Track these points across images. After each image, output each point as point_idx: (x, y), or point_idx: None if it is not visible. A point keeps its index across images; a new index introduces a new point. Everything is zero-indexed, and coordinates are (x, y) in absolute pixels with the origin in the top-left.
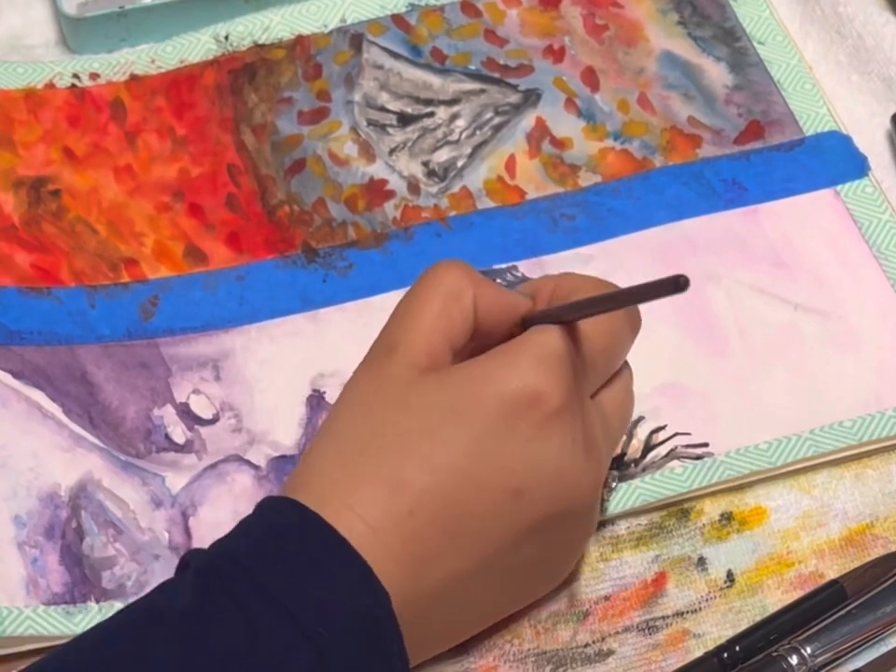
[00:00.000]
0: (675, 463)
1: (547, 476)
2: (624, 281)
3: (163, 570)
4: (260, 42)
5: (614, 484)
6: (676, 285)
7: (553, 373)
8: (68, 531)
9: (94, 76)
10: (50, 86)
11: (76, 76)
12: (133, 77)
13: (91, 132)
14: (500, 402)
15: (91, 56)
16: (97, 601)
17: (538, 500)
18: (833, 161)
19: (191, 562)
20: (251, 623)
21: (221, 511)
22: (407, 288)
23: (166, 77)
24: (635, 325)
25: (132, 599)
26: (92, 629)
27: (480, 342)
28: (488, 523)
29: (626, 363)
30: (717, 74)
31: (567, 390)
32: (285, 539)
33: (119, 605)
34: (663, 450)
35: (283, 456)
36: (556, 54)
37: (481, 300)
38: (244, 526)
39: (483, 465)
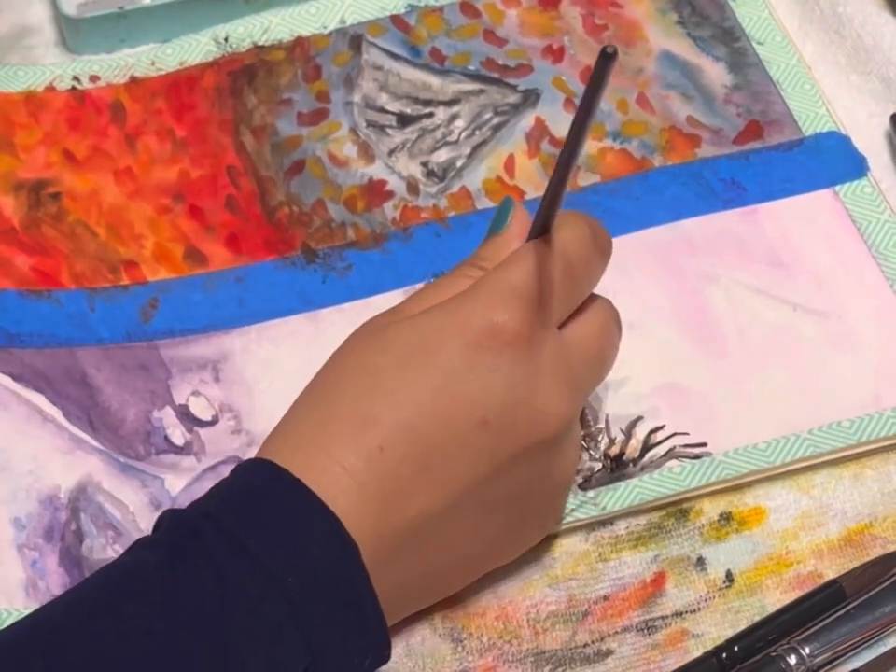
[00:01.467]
0: (673, 462)
1: (511, 405)
2: (623, 281)
3: None
4: (260, 44)
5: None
6: (605, 56)
7: (509, 304)
8: (67, 533)
9: (94, 78)
10: (51, 88)
11: (76, 78)
12: (133, 80)
13: (91, 134)
14: (462, 336)
15: (91, 58)
16: None
17: (505, 430)
18: (832, 161)
19: (165, 520)
20: (221, 575)
21: None
22: (407, 289)
23: (166, 79)
24: (601, 244)
25: None
26: (71, 588)
27: None
28: (459, 455)
29: (607, 301)
30: (716, 74)
31: (525, 320)
32: (255, 494)
33: None
34: (661, 450)
35: None
36: (556, 54)
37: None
38: (217, 487)
39: (450, 398)
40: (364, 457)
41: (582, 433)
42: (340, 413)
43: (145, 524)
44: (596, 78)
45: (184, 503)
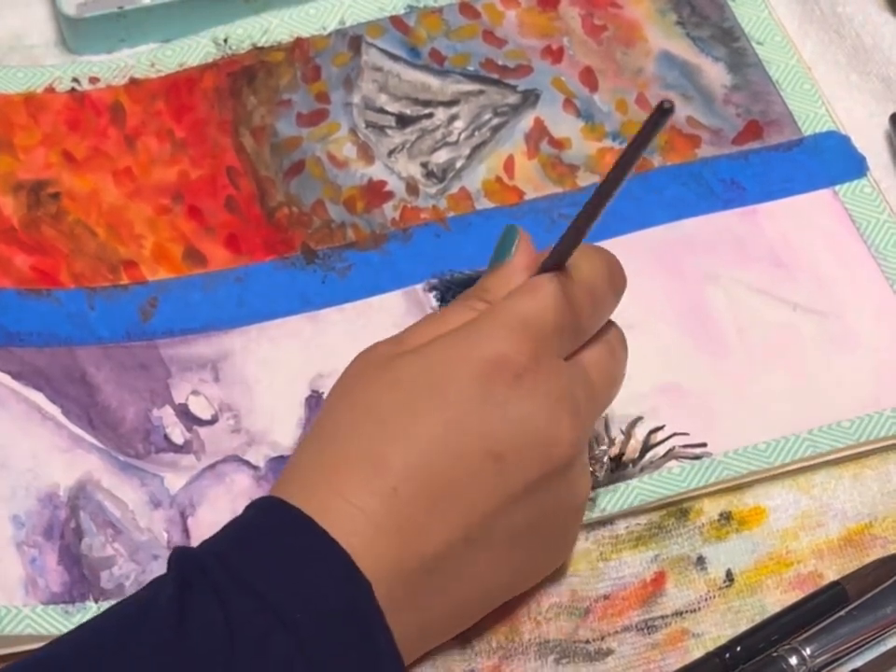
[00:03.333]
0: (673, 463)
1: (522, 436)
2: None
3: (162, 570)
4: (259, 45)
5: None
6: (662, 111)
7: (517, 335)
8: (67, 531)
9: (94, 79)
10: (50, 90)
11: (75, 79)
12: (133, 81)
13: (91, 135)
14: (470, 369)
15: (91, 59)
16: (96, 601)
17: (519, 462)
18: (832, 161)
19: (174, 558)
20: (228, 611)
21: (220, 512)
22: (406, 289)
23: (166, 80)
24: (616, 283)
25: None
26: (86, 622)
27: None
28: (473, 490)
29: (614, 325)
30: (715, 74)
31: (534, 350)
32: (264, 533)
33: None
34: (661, 450)
35: (282, 457)
36: (555, 55)
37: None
38: (228, 526)
39: (462, 433)
40: (378, 499)
41: (588, 456)
42: (351, 455)
43: (144, 522)
44: (649, 129)
45: (183, 501)
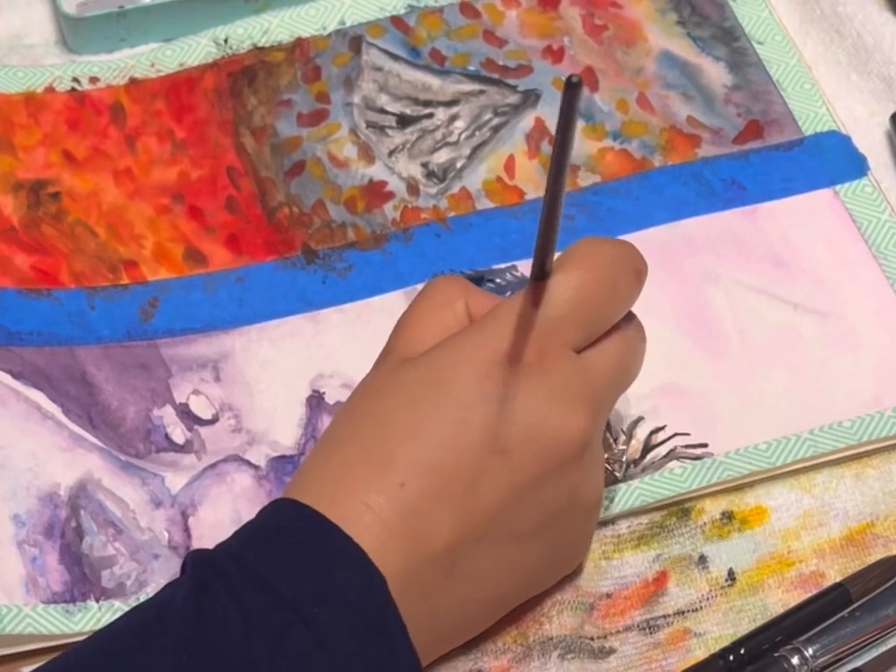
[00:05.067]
0: (674, 463)
1: (529, 431)
2: None
3: (163, 569)
4: (260, 45)
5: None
6: (570, 85)
7: (520, 331)
8: (67, 530)
9: (94, 79)
10: (50, 90)
11: (75, 79)
12: (133, 81)
13: (91, 135)
14: (474, 366)
15: (91, 59)
16: (97, 600)
17: (524, 456)
18: (833, 160)
19: (189, 561)
20: (245, 608)
21: (221, 511)
22: (407, 289)
23: (166, 80)
24: (637, 270)
25: (132, 598)
26: (103, 627)
27: None
28: (480, 486)
29: (634, 318)
30: (716, 73)
31: (539, 345)
32: (278, 530)
33: (118, 604)
34: (662, 450)
35: (283, 456)
36: (555, 55)
37: (473, 305)
38: (241, 528)
39: (467, 429)
40: (386, 495)
41: (606, 455)
42: (358, 456)
43: (145, 521)
44: (565, 108)
45: (184, 501)
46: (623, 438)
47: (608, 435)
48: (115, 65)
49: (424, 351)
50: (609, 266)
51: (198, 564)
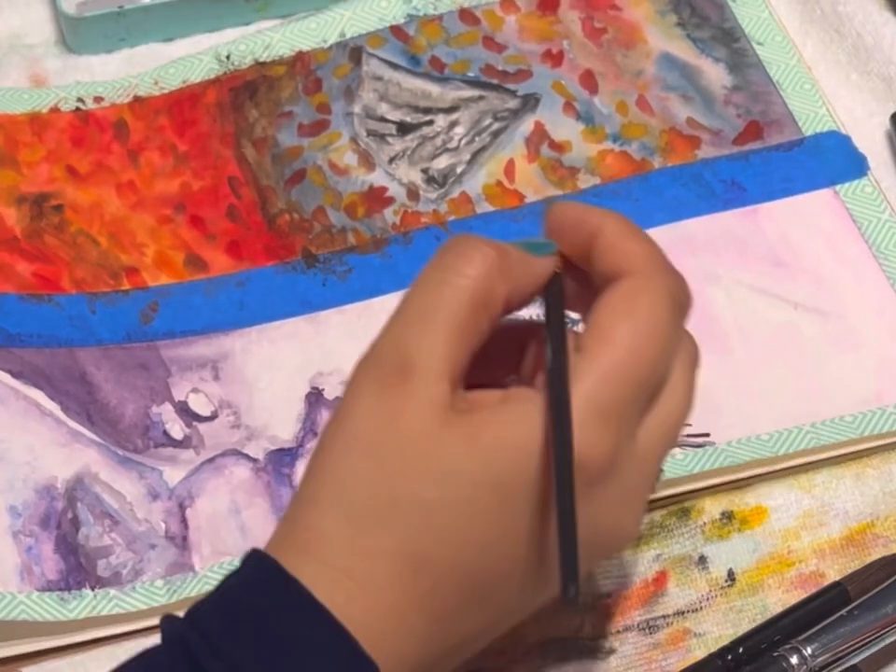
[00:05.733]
0: (676, 450)
1: (589, 538)
2: None
3: (159, 559)
4: (261, 60)
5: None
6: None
7: (595, 426)
8: (64, 521)
9: (98, 99)
10: (55, 110)
11: (80, 99)
12: (137, 99)
13: (95, 151)
14: (539, 473)
15: (96, 81)
16: (92, 588)
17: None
18: (833, 160)
19: (166, 633)
20: None
21: (218, 502)
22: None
23: (169, 97)
24: (683, 305)
25: (127, 587)
26: None
27: None
28: (518, 587)
29: (683, 369)
30: (716, 75)
31: (614, 442)
32: (263, 613)
33: (114, 592)
34: None
35: (281, 449)
36: (555, 58)
37: (512, 289)
38: (223, 593)
39: (517, 537)
40: (415, 601)
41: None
42: (383, 548)
43: (142, 513)
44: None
45: (182, 493)
46: None
47: None
48: (119, 85)
49: (456, 381)
50: (667, 310)
51: (172, 638)
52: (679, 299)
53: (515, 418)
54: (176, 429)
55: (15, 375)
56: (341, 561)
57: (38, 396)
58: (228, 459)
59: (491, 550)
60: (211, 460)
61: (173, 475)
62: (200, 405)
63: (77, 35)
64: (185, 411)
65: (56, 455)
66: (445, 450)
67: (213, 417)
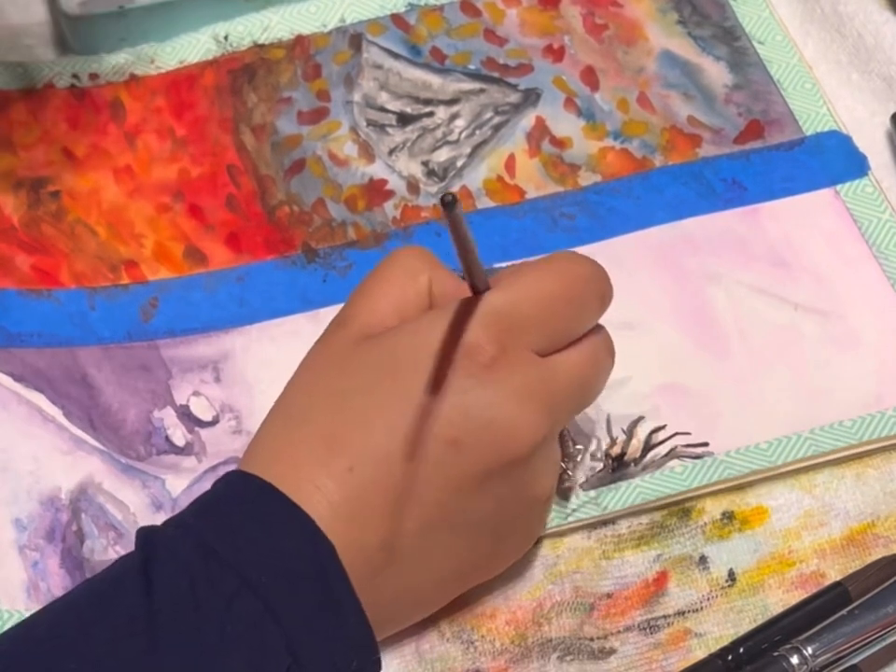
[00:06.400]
0: (675, 462)
1: (482, 425)
2: (624, 281)
3: None
4: (260, 42)
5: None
6: (445, 205)
7: (487, 328)
8: (69, 534)
9: (94, 76)
10: (50, 86)
11: (75, 76)
12: (133, 78)
13: (91, 132)
14: (433, 355)
15: (91, 57)
16: None
17: (475, 450)
18: (833, 160)
19: (139, 536)
20: (193, 578)
21: None
22: None
23: (166, 77)
24: (601, 290)
25: None
26: (58, 599)
27: None
28: (429, 475)
29: (602, 331)
30: (716, 73)
31: (502, 341)
32: (226, 501)
33: None
34: (662, 449)
35: None
36: (556, 53)
37: (436, 282)
38: (194, 500)
39: (420, 419)
40: (334, 478)
41: (562, 454)
42: (311, 435)
43: (146, 524)
44: (449, 225)
45: (185, 504)
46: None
47: (565, 433)
48: (114, 62)
49: (383, 328)
50: (580, 282)
51: (147, 537)
52: (602, 281)
53: (413, 327)
54: (178, 435)
55: (16, 378)
56: (274, 451)
57: (40, 400)
58: (230, 468)
59: (399, 431)
60: (213, 468)
61: (175, 484)
62: (201, 409)
63: (77, 34)
64: (186, 415)
65: (59, 463)
66: (359, 351)
67: (214, 422)
